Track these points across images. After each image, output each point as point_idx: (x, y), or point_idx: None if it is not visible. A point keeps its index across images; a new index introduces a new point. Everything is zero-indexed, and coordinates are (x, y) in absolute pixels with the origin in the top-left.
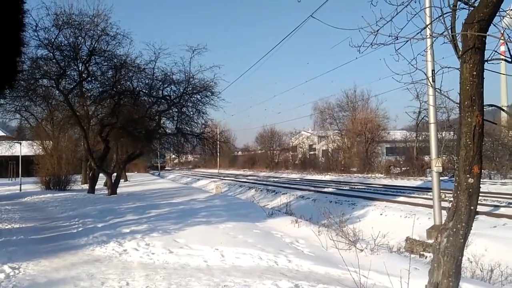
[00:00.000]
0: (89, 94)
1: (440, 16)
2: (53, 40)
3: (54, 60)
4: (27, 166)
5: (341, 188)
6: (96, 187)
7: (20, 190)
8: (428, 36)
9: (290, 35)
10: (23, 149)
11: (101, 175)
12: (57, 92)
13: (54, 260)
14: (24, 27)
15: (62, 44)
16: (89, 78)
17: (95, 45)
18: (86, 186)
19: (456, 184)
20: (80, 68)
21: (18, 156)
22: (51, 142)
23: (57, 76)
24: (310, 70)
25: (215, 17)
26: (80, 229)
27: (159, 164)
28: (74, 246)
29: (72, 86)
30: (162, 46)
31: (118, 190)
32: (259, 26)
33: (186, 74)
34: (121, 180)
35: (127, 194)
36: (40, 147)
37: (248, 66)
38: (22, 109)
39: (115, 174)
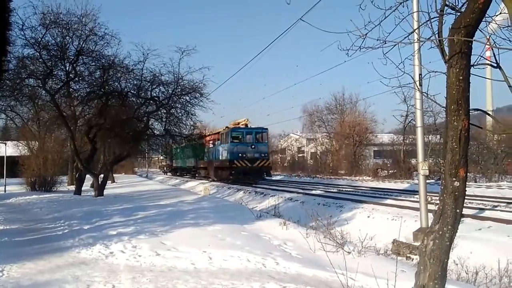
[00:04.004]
0: (76, 95)
1: (428, 20)
2: (40, 39)
3: (40, 60)
4: (12, 167)
5: (329, 190)
6: (82, 188)
7: (5, 191)
8: (415, 41)
9: (279, 37)
10: (8, 149)
11: (87, 176)
12: (44, 92)
13: (39, 263)
14: (10, 25)
15: (49, 44)
16: (77, 78)
17: (83, 45)
18: (72, 188)
19: (442, 187)
20: (67, 68)
21: (3, 156)
22: (37, 143)
23: (44, 76)
24: (299, 72)
25: (205, 18)
26: (66, 231)
27: None
28: (60, 248)
29: (59, 86)
30: (151, 47)
31: (105, 192)
32: (248, 28)
33: (175, 75)
34: (108, 182)
35: (114, 196)
36: (26, 147)
37: (238, 68)
38: (8, 109)
39: (102, 175)
